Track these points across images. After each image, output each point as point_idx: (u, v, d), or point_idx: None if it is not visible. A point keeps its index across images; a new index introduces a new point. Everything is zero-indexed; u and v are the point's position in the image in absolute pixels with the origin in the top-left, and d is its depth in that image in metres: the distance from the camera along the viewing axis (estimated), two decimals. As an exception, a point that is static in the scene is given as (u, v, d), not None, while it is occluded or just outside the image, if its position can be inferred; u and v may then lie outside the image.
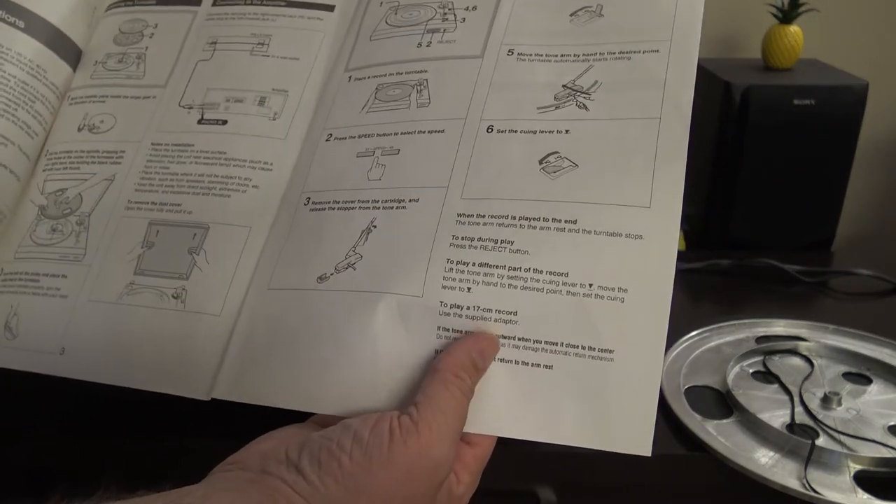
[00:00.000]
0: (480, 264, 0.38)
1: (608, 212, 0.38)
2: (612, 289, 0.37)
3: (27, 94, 0.49)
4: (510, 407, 0.36)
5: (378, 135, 0.44)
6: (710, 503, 0.55)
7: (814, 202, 1.13)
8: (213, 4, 0.53)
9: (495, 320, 0.37)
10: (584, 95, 0.42)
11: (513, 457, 0.51)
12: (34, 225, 0.46)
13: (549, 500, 0.53)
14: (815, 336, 0.65)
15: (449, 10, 0.48)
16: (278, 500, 0.30)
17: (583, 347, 0.36)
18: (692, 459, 0.52)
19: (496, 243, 0.38)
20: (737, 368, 0.61)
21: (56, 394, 0.53)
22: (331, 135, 0.46)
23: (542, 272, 0.37)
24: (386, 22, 0.49)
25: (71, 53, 0.52)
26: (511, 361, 0.37)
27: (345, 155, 0.44)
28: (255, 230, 0.44)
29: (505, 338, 0.37)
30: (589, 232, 0.38)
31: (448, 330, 0.37)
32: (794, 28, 1.19)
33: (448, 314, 0.37)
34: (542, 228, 0.38)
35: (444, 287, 0.38)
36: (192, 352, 0.41)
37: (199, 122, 0.48)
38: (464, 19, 0.47)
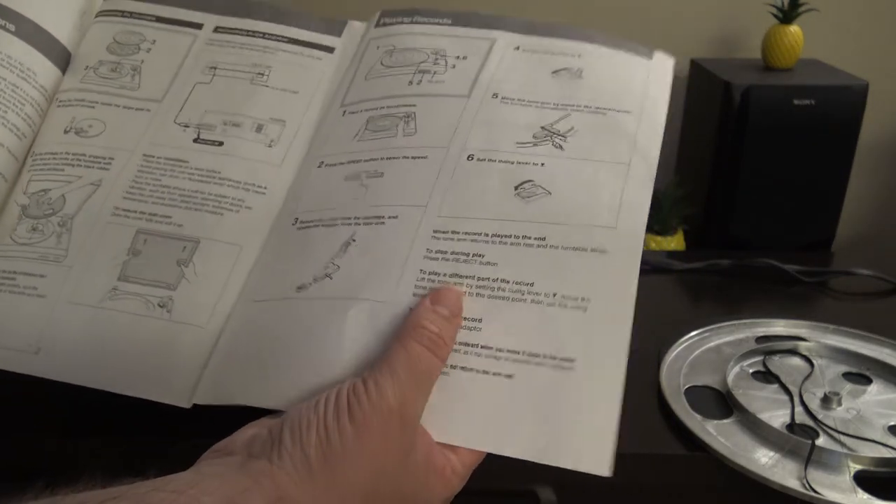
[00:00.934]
0: (451, 275, 0.39)
1: (576, 231, 0.40)
2: (576, 298, 0.38)
3: (16, 97, 0.49)
4: (468, 416, 0.36)
5: (365, 160, 0.46)
6: (710, 503, 0.55)
7: (814, 202, 1.13)
8: (215, 31, 0.54)
9: (460, 327, 0.38)
10: (560, 137, 0.45)
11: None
12: (15, 224, 0.47)
13: (549, 500, 0.53)
14: (815, 336, 0.65)
15: (441, 56, 0.51)
16: (262, 482, 0.30)
17: (544, 356, 0.36)
18: (692, 459, 0.52)
19: (468, 256, 0.40)
20: (737, 368, 0.61)
21: (44, 392, 0.52)
22: (322, 162, 0.48)
23: (508, 282, 0.39)
24: (381, 63, 0.52)
25: (60, 57, 0.53)
26: (472, 370, 0.37)
27: (334, 179, 0.46)
28: (246, 249, 0.45)
29: (468, 345, 0.37)
30: (556, 247, 0.39)
31: None
32: (794, 28, 1.19)
33: None
34: (512, 244, 0.40)
35: (414, 294, 0.39)
36: (175, 360, 0.41)
37: (195, 140, 0.49)
38: (454, 66, 0.50)
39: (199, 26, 0.54)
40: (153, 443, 0.50)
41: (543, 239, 0.40)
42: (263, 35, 0.54)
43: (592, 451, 0.35)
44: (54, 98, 0.52)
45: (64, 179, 0.48)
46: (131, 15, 0.55)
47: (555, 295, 0.38)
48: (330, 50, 0.54)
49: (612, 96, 0.47)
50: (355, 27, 0.55)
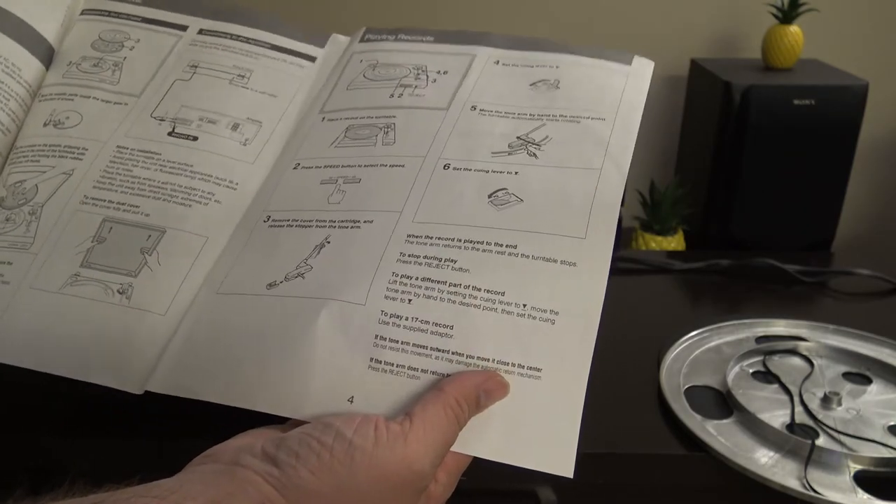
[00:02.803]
0: (423, 279, 0.40)
1: (546, 240, 0.41)
2: (545, 310, 0.39)
3: (2, 92, 0.50)
4: None
5: (343, 166, 0.47)
6: (710, 503, 0.55)
7: (814, 202, 1.14)
8: (199, 33, 0.55)
9: (432, 332, 0.38)
10: (535, 146, 0.46)
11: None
12: None
13: (549, 500, 0.53)
14: (815, 336, 0.65)
15: (422, 71, 0.53)
16: (247, 489, 0.30)
17: (512, 365, 0.38)
18: (692, 459, 0.52)
19: (440, 261, 0.40)
20: (737, 368, 0.61)
21: (36, 392, 0.53)
22: (298, 164, 0.49)
23: (480, 290, 0.39)
24: (363, 76, 0.53)
25: (44, 53, 0.53)
26: (443, 375, 0.37)
27: (309, 181, 0.47)
28: (211, 241, 0.45)
29: (440, 351, 0.38)
30: (527, 256, 0.40)
31: (385, 339, 0.38)
32: (794, 28, 1.19)
33: (387, 323, 0.39)
34: (483, 251, 0.41)
35: (386, 297, 0.39)
36: (131, 346, 0.41)
37: (170, 133, 0.49)
38: (435, 80, 0.52)
39: (184, 28, 0.55)
40: (143, 446, 0.50)
41: (515, 247, 0.41)
42: (247, 40, 0.55)
43: (556, 454, 0.36)
44: (37, 93, 0.52)
45: (39, 170, 0.48)
46: (118, 15, 0.56)
47: (525, 306, 0.39)
48: (312, 59, 0.56)
49: (588, 104, 0.49)
50: (339, 40, 0.57)
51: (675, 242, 1.21)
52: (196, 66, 0.53)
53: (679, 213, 1.19)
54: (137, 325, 0.42)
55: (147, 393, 0.40)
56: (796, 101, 1.08)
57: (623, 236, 1.29)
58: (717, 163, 1.14)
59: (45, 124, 0.50)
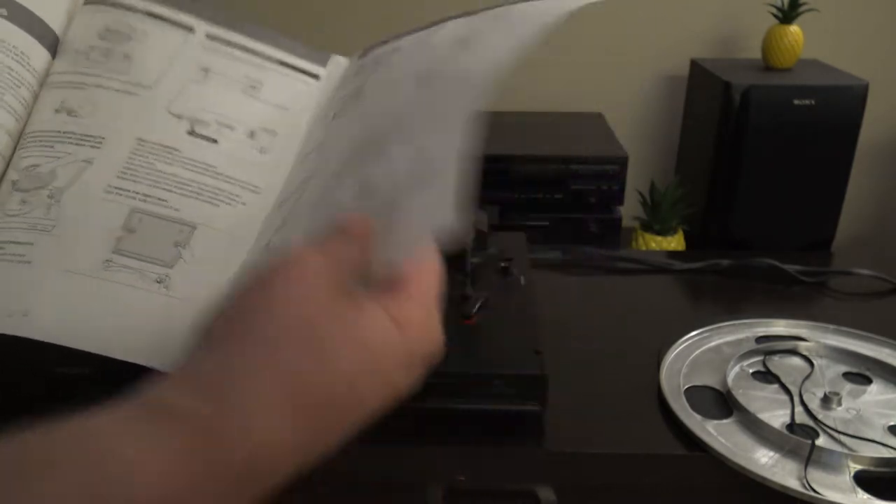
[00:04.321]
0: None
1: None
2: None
3: (12, 79, 0.51)
4: None
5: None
6: (710, 503, 0.55)
7: (814, 202, 1.14)
8: (208, 37, 0.57)
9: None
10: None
11: (513, 457, 0.51)
12: (6, 199, 0.48)
13: (549, 500, 0.53)
14: (815, 336, 0.65)
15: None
16: (159, 414, 0.27)
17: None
18: (692, 459, 0.52)
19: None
20: (737, 368, 0.61)
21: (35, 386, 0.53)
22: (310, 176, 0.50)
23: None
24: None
25: (50, 41, 0.54)
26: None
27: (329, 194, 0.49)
28: (241, 240, 0.48)
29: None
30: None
31: None
32: (794, 28, 1.19)
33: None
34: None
35: None
36: (169, 331, 0.44)
37: (189, 133, 0.51)
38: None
39: (190, 29, 0.57)
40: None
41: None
42: (254, 52, 0.57)
43: None
44: (45, 80, 0.54)
45: (54, 155, 0.49)
46: (122, 6, 0.56)
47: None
48: (316, 77, 0.58)
49: None
50: (339, 61, 0.59)
51: (675, 242, 1.21)
52: (208, 70, 0.55)
53: (679, 213, 1.19)
54: (179, 314, 0.44)
55: None
56: (796, 101, 1.08)
57: (623, 236, 1.29)
58: (717, 163, 1.14)
59: (56, 111, 0.51)
